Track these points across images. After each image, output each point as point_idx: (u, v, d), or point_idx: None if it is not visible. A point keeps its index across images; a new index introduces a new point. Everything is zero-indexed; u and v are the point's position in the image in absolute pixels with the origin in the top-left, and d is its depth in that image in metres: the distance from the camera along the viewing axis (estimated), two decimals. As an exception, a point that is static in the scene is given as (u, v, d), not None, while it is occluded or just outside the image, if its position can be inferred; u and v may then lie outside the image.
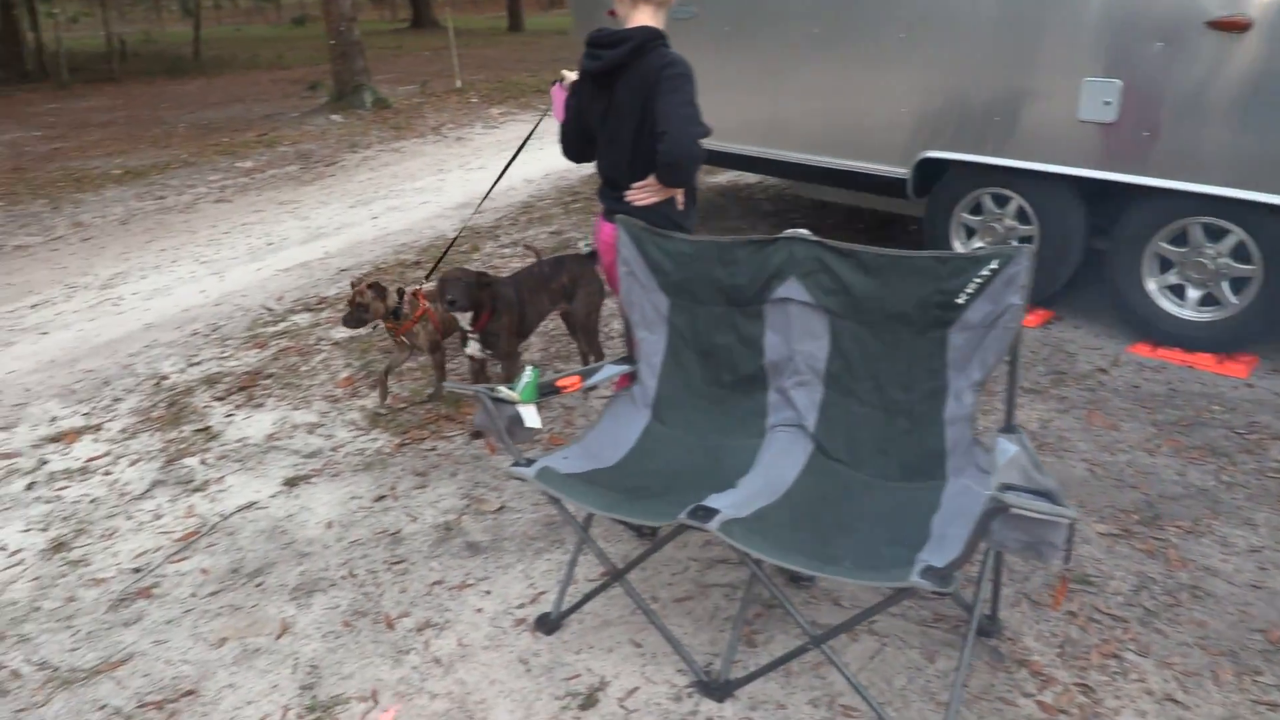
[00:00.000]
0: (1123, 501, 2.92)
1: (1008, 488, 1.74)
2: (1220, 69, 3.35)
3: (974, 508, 1.97)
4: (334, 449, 3.56)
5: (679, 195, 2.62)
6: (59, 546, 3.03)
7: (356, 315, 3.55)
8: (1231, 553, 2.65)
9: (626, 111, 2.54)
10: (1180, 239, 3.76)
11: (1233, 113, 3.36)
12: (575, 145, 2.85)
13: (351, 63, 11.86)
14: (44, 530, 3.13)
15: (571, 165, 8.72)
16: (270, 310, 5.18)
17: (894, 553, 1.92)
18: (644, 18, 2.56)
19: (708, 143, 5.10)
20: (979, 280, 2.02)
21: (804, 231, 2.24)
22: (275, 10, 45.98)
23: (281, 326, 4.91)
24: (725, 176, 7.96)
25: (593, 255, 3.65)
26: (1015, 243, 4.24)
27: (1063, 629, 2.39)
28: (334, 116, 11.53)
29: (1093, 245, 4.11)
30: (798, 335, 2.30)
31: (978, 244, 4.41)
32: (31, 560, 2.97)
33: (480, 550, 2.86)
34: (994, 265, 2.00)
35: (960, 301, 2.06)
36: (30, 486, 3.43)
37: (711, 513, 1.93)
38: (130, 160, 9.66)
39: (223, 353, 4.61)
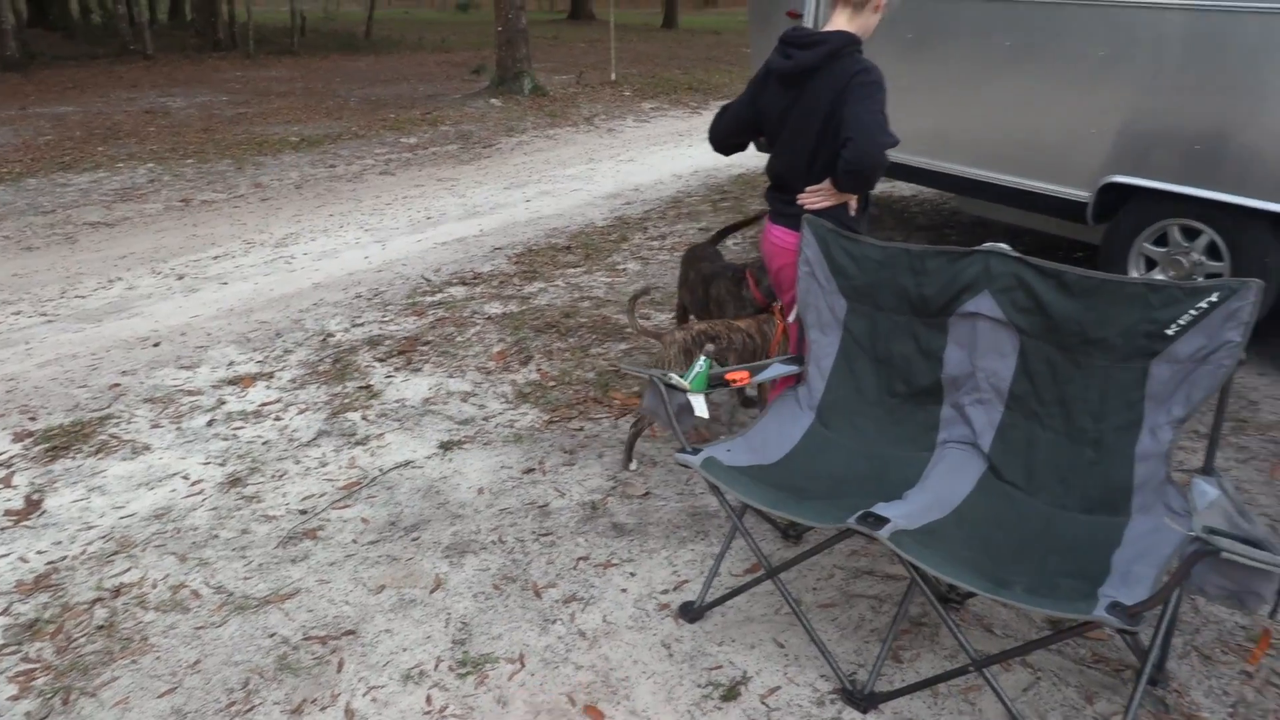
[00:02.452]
0: (1311, 565, 2.71)
1: (1212, 531, 1.65)
2: None
3: (1164, 548, 1.88)
4: (485, 419, 3.69)
5: (852, 201, 2.59)
6: (235, 482, 3.25)
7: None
8: None
9: (813, 114, 2.53)
10: (1397, 290, 3.46)
11: None
12: (733, 137, 2.82)
13: (515, 50, 12.21)
14: (222, 465, 3.37)
15: (721, 163, 8.72)
16: (429, 281, 5.40)
17: (1072, 584, 1.85)
18: (841, 21, 2.54)
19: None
20: (1195, 312, 1.91)
21: (1004, 246, 2.18)
22: (442, -4, 47.91)
23: (439, 297, 5.11)
24: (881, 188, 7.80)
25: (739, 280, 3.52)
26: (1200, 279, 4.01)
27: (1237, 689, 2.24)
28: (494, 100, 11.91)
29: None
30: (983, 351, 2.23)
31: (1158, 277, 4.17)
32: (211, 491, 3.20)
33: (626, 532, 2.91)
34: (1214, 298, 1.89)
35: (1170, 333, 1.95)
36: (210, 424, 3.68)
37: (882, 521, 1.90)
38: (306, 129, 10.24)
39: (384, 317, 4.84)
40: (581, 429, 3.59)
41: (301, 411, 3.78)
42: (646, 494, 3.12)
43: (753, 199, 7.41)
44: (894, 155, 5.03)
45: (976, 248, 2.22)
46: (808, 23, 5.16)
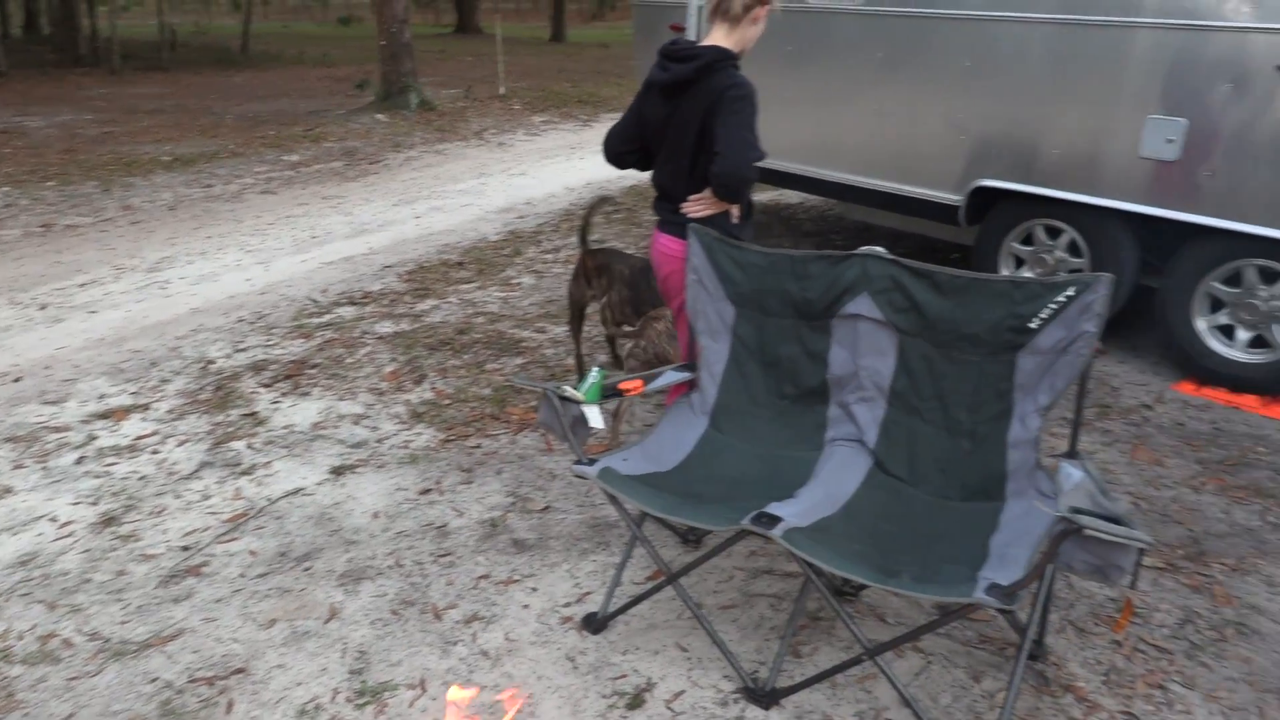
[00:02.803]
0: (1168, 536, 2.91)
1: (1077, 511, 1.75)
2: (1286, 112, 3.36)
3: (1035, 529, 1.98)
4: (379, 440, 3.60)
5: (734, 209, 2.65)
6: (109, 521, 3.08)
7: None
8: (1277, 592, 2.63)
9: (688, 126, 2.58)
10: (1234, 280, 3.75)
11: (1296, 156, 3.37)
12: (622, 149, 2.85)
13: (400, 64, 12.01)
14: (94, 504, 3.18)
15: (613, 175, 8.77)
16: (315, 302, 5.24)
17: (954, 570, 1.93)
18: (719, 36, 2.59)
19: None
20: (1054, 306, 2.03)
21: (880, 250, 2.26)
22: (322, 9, 46.71)
23: (327, 318, 4.97)
24: (769, 195, 7.99)
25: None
26: (1064, 274, 4.26)
27: (1108, 657, 2.38)
28: (379, 116, 11.67)
29: (1143, 283, 4.10)
30: (864, 351, 2.31)
31: (1026, 274, 4.41)
32: (82, 533, 3.01)
33: (526, 548, 2.88)
34: (1070, 292, 2.01)
35: (1033, 326, 2.07)
36: (80, 461, 3.48)
37: (775, 520, 1.95)
38: (179, 148, 9.81)
39: (269, 341, 4.67)
40: (479, 446, 3.54)
41: (181, 443, 3.61)
42: (546, 508, 3.11)
43: (644, 209, 7.48)
44: (778, 163, 5.21)
45: (854, 251, 2.30)
46: (690, 36, 5.25)
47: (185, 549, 2.91)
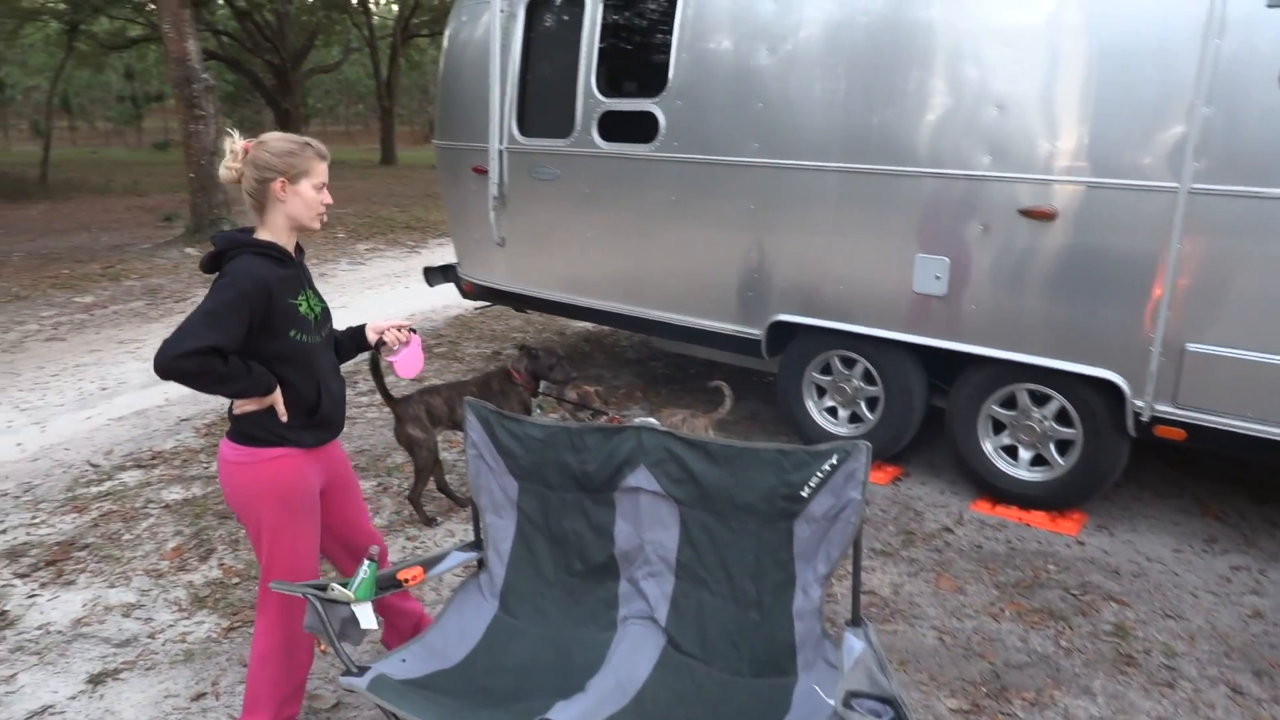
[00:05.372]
0: (971, 673, 2.96)
1: (853, 695, 1.72)
2: (1032, 251, 3.67)
3: (822, 711, 1.94)
4: (151, 635, 3.22)
5: (279, 406, 2.30)
6: None
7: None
8: (1074, 725, 2.71)
9: None
10: (1011, 403, 4.00)
11: (1043, 289, 3.67)
12: None
13: (211, 196, 11.60)
14: None
15: (438, 304, 8.66)
16: (96, 467, 4.77)
17: (746, 762, 1.85)
18: (254, 220, 2.35)
19: (573, 293, 5.18)
20: (821, 474, 2.05)
21: (652, 421, 2.25)
22: (136, 134, 44.93)
23: (106, 486, 4.52)
24: (587, 324, 8.07)
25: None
26: (863, 403, 4.44)
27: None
28: (189, 249, 11.15)
29: (935, 403, 4.33)
30: (648, 524, 2.26)
31: (828, 402, 4.57)
32: None
33: (310, 756, 2.60)
34: (834, 460, 2.04)
35: (804, 494, 2.08)
36: None
37: (556, 728, 1.81)
38: (-49, 293, 8.96)
39: (33, 518, 4.18)
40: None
41: (-93, 658, 3.11)
42: (336, 704, 2.83)
43: (467, 341, 7.38)
44: (591, 301, 5.28)
45: (628, 424, 2.27)
46: (493, 178, 5.30)
47: (-110, 803, 2.45)
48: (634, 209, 4.81)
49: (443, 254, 10.58)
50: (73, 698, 2.89)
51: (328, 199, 2.34)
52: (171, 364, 2.07)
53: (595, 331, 7.76)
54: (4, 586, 3.57)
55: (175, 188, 17.82)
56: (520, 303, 5.67)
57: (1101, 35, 3.45)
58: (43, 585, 3.58)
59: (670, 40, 4.51)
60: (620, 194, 4.83)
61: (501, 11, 5.10)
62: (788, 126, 4.19)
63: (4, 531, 4.05)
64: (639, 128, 4.68)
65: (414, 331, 2.61)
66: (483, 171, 5.35)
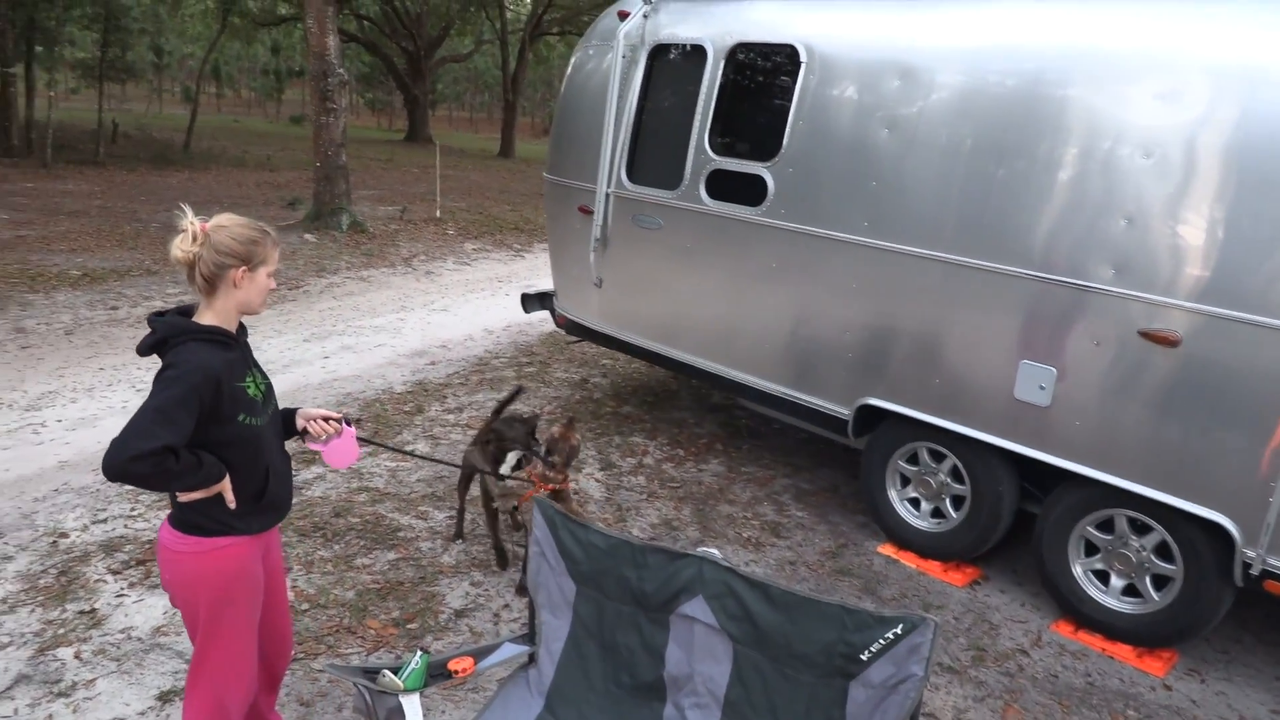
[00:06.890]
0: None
1: None
2: (1148, 374, 3.45)
3: None
4: (221, 655, 3.35)
5: (228, 494, 2.25)
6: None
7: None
8: None
9: None
10: (1107, 526, 3.78)
11: (1156, 417, 3.45)
12: None
13: (334, 185, 12.04)
14: (-118, 726, 2.88)
15: (534, 319, 8.77)
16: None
17: None
18: (202, 308, 2.27)
19: (664, 343, 5.16)
20: (884, 641, 1.98)
21: (715, 552, 2.20)
22: (276, 105, 47.21)
23: (201, 485, 4.73)
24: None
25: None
26: (948, 500, 4.27)
27: None
28: (307, 236, 11.61)
29: (1026, 508, 4.13)
30: (700, 655, 2.22)
31: (911, 493, 4.42)
32: None
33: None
34: (899, 630, 1.96)
35: (864, 658, 2.00)
36: (-118, 664, 3.17)
37: None
38: (92, 260, 9.56)
39: (132, 510, 4.41)
40: (323, 673, 3.31)
41: (3, 646, 3.31)
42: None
43: (558, 363, 7.45)
44: (680, 354, 5.24)
45: (691, 551, 2.23)
46: (597, 221, 5.32)
47: (-32, 799, 2.62)
48: (733, 270, 4.75)
49: (545, 262, 10.69)
50: (141, 714, 3.02)
51: (274, 284, 2.33)
52: (124, 467, 2.01)
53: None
54: (97, 581, 3.78)
55: (304, 164, 18.57)
56: (611, 344, 5.68)
57: (1254, 159, 3.21)
58: (130, 585, 3.77)
59: (789, 107, 4.43)
60: (721, 253, 4.78)
61: (624, 57, 5.11)
62: (899, 208, 4.06)
63: (105, 520, 4.28)
64: (747, 189, 4.62)
65: (348, 423, 2.54)
66: (588, 212, 5.38)
